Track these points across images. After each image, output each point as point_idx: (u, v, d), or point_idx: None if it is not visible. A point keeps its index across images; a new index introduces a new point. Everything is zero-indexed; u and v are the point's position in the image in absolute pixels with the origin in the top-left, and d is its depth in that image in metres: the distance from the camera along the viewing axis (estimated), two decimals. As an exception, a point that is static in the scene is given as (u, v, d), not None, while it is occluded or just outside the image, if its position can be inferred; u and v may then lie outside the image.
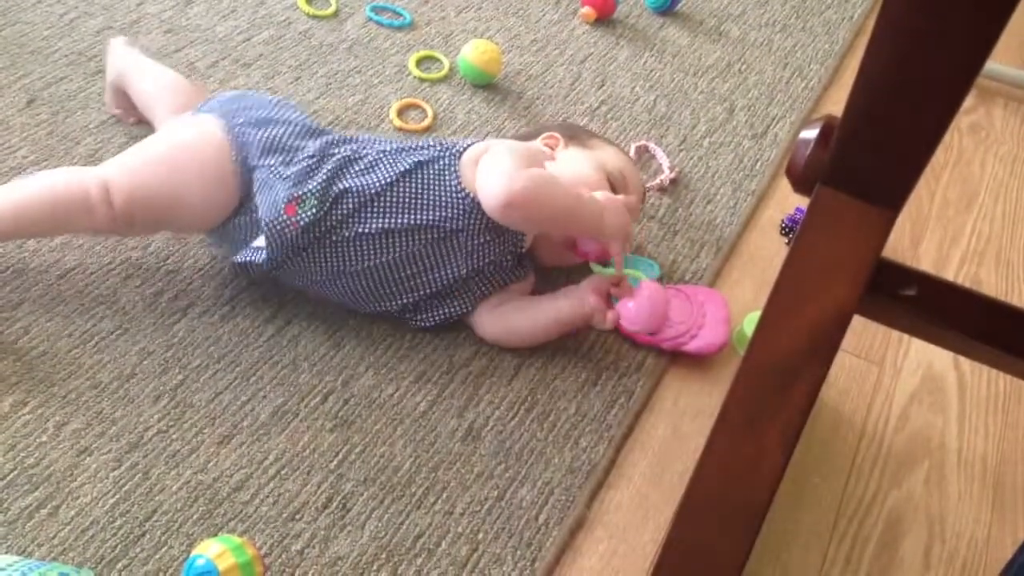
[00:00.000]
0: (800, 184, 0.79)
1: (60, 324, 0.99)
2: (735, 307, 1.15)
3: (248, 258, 0.99)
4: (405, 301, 1.03)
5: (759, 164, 1.38)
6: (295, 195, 0.97)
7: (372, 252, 0.99)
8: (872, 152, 0.71)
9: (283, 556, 0.85)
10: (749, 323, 1.11)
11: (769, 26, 1.68)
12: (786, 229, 1.28)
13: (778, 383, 0.72)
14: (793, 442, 0.71)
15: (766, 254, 1.26)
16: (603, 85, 1.47)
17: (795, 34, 1.67)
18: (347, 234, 0.99)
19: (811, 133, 0.78)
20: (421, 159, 1.02)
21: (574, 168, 1.10)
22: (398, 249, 1.00)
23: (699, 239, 1.24)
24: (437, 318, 1.04)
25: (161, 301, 1.04)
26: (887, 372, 1.14)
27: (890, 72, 0.66)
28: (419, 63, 1.43)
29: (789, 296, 0.75)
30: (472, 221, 1.00)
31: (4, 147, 1.17)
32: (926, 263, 1.31)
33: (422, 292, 1.03)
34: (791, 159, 0.80)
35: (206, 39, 1.39)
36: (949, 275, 1.29)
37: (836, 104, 1.54)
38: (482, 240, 1.01)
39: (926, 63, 0.64)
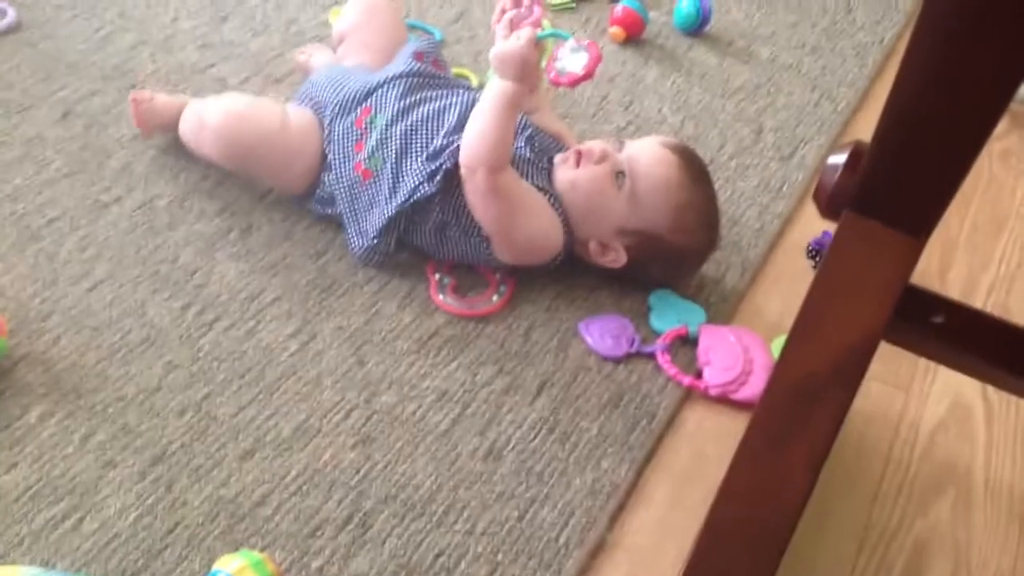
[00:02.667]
0: (827, 210, 0.79)
1: (88, 336, 1.00)
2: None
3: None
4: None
5: (786, 186, 1.37)
6: None
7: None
8: (901, 179, 0.71)
9: (303, 572, 0.85)
10: (776, 347, 1.11)
11: (799, 48, 1.67)
12: (813, 252, 1.27)
13: (803, 407, 0.72)
14: (818, 467, 0.70)
15: (792, 277, 1.25)
16: (631, 105, 1.47)
17: (825, 56, 1.66)
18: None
19: (839, 159, 0.77)
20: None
21: None
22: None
23: (725, 261, 1.23)
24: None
25: (188, 315, 1.05)
26: (913, 399, 1.13)
27: (920, 98, 0.66)
28: (447, 81, 1.44)
29: (815, 320, 0.74)
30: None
31: (38, 159, 1.19)
32: (954, 289, 1.29)
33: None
34: (818, 184, 0.80)
35: (239, 55, 1.41)
36: (978, 302, 1.28)
37: (865, 127, 1.53)
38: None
39: (956, 89, 0.64)
